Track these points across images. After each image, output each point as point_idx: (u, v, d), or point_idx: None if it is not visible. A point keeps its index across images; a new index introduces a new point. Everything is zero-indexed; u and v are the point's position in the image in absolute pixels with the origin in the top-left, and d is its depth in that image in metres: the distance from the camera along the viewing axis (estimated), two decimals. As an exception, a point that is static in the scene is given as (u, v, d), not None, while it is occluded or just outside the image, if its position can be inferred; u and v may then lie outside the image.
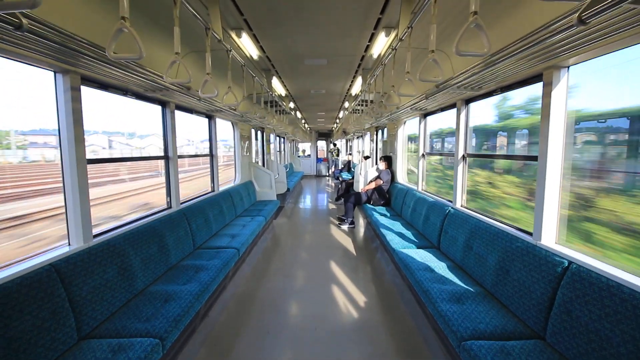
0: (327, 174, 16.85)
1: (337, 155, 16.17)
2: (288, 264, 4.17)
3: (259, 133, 7.67)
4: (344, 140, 17.34)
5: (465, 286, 2.46)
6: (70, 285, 1.84)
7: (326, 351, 2.38)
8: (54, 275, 1.77)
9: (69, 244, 2.10)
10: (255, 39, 3.27)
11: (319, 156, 17.70)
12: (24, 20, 1.19)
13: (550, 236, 2.08)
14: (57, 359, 1.67)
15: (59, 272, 1.80)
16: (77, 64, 1.84)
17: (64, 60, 1.78)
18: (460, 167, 3.34)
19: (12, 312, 1.52)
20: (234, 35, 3.04)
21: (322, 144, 18.17)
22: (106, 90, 2.42)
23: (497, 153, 3.59)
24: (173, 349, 2.24)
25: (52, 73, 1.98)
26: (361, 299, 3.19)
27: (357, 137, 12.55)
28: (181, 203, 3.54)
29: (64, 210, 2.11)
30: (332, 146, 16.85)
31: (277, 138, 10.71)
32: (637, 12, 1.18)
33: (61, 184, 2.09)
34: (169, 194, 3.36)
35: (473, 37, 1.48)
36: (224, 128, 5.42)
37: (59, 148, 2.04)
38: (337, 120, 11.93)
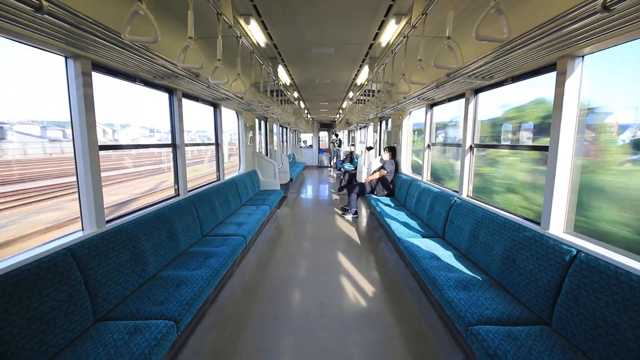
0: (329, 165, 16.85)
1: (339, 146, 16.15)
2: (293, 252, 4.22)
3: (263, 123, 7.65)
4: (346, 131, 17.29)
5: (471, 274, 2.50)
6: (85, 269, 1.88)
7: (333, 337, 2.43)
8: (69, 259, 1.80)
9: (83, 229, 2.13)
10: (264, 25, 3.23)
11: (321, 147, 17.66)
12: (45, 2, 1.18)
13: (559, 225, 2.11)
14: (75, 339, 1.72)
15: (74, 256, 1.84)
16: (89, 48, 1.84)
17: (75, 45, 1.77)
18: (467, 158, 3.35)
19: (32, 295, 1.56)
20: (242, 22, 3.01)
21: (324, 134, 18.11)
22: (116, 76, 2.41)
23: (504, 143, 3.59)
24: (186, 331, 2.29)
25: (63, 58, 1.97)
26: (366, 286, 3.24)
27: (360, 128, 12.52)
28: (188, 191, 3.56)
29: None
30: (334, 137, 16.80)
31: (280, 128, 10.68)
32: None
33: (74, 170, 2.10)
34: (176, 181, 3.38)
35: (490, 24, 1.48)
36: (224, 118, 5.40)
37: (71, 134, 2.05)
38: (340, 111, 11.87)
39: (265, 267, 3.72)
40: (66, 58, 1.99)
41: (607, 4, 1.11)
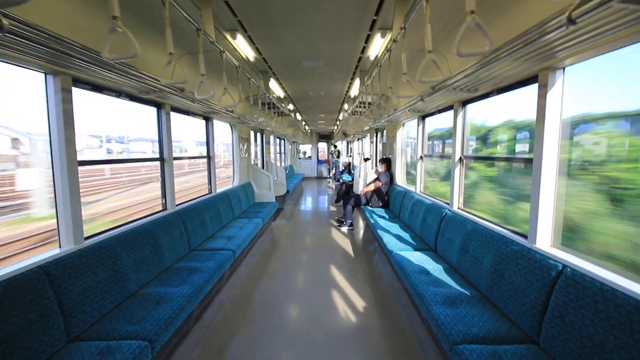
0: (328, 176, 16.82)
1: (338, 157, 16.16)
2: (285, 266, 4.15)
3: (259, 135, 7.67)
4: (344, 142, 17.33)
5: (460, 289, 2.43)
6: (59, 288, 1.83)
7: (321, 355, 2.36)
8: (42, 278, 1.76)
9: (60, 246, 2.09)
10: (251, 40, 3.26)
11: (319, 158, 17.68)
12: (5, 21, 1.18)
13: (545, 239, 2.06)
14: None
15: (48, 275, 1.79)
16: (68, 65, 1.84)
17: (53, 62, 1.77)
18: (457, 170, 3.31)
19: None
20: (228, 37, 3.04)
21: (323, 145, 18.16)
22: (100, 92, 2.42)
23: (494, 155, 3.56)
24: (164, 352, 2.22)
25: (43, 75, 1.98)
26: (358, 302, 3.17)
27: (358, 139, 12.54)
28: (177, 205, 3.53)
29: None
30: (332, 148, 16.83)
31: (278, 140, 10.71)
32: (629, 12, 1.16)
33: (52, 186, 2.08)
34: (164, 195, 3.35)
35: (470, 37, 1.47)
36: (220, 130, 5.41)
37: (49, 150, 2.04)
38: (337, 122, 11.92)
39: (255, 281, 3.65)
40: (45, 74, 1.99)
41: (572, 18, 1.10)
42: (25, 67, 1.83)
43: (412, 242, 3.69)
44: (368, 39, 3.26)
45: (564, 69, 1.98)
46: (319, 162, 17.43)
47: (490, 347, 1.73)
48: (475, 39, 1.55)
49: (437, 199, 3.95)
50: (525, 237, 2.22)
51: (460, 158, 3.31)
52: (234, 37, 2.99)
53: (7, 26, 1.17)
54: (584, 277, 1.61)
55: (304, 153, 18.33)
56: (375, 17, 2.70)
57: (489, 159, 3.35)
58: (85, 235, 2.23)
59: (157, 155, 3.32)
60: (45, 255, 1.90)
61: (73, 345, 1.78)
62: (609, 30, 1.30)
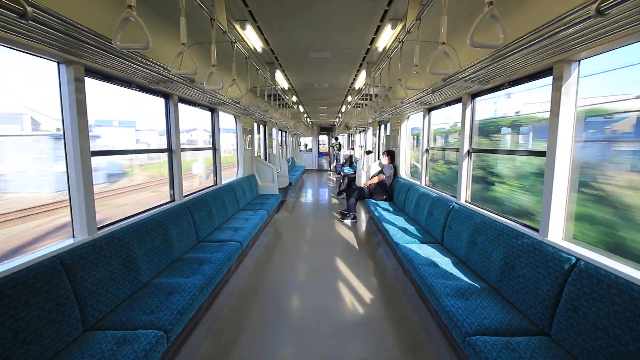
0: (329, 169, 16.83)
1: (339, 149, 16.14)
2: (290, 257, 4.18)
3: (261, 127, 7.63)
4: (345, 135, 17.30)
5: (469, 282, 2.46)
6: (75, 277, 1.84)
7: (329, 345, 2.39)
8: (58, 267, 1.76)
9: (74, 236, 2.10)
10: (260, 31, 3.22)
11: (320, 151, 17.66)
12: (29, 8, 1.16)
13: (558, 233, 2.07)
14: (63, 350, 1.68)
15: (63, 264, 1.80)
16: (81, 54, 1.82)
17: (67, 51, 1.76)
18: (465, 163, 3.31)
19: (18, 304, 1.52)
20: (238, 27, 3.01)
21: (324, 138, 18.13)
22: (110, 82, 2.40)
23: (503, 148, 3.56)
24: (177, 341, 2.24)
25: (56, 64, 1.96)
26: (364, 293, 3.19)
27: (359, 132, 12.51)
28: (184, 196, 3.53)
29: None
30: (334, 141, 16.82)
31: (279, 132, 10.68)
32: None
33: (65, 176, 2.08)
34: (172, 187, 3.35)
35: (485, 29, 1.45)
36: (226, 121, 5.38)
37: (62, 140, 2.03)
38: (340, 115, 11.87)
39: (262, 273, 3.67)
40: (59, 64, 1.97)
41: (601, 9, 1.09)
42: (40, 56, 1.81)
43: (418, 234, 3.70)
44: (378, 30, 3.22)
45: (579, 62, 1.97)
46: (320, 154, 17.43)
47: (503, 339, 1.75)
48: (488, 32, 1.53)
49: (442, 192, 3.95)
50: (536, 230, 2.23)
51: (468, 151, 3.30)
52: (243, 28, 2.95)
53: (30, 13, 1.16)
54: (599, 270, 1.62)
55: (305, 145, 18.31)
56: (387, 8, 2.67)
57: (498, 152, 3.35)
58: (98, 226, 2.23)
59: (171, 147, 3.30)
60: (60, 245, 1.91)
61: (90, 334, 1.80)
62: (632, 23, 1.29)
